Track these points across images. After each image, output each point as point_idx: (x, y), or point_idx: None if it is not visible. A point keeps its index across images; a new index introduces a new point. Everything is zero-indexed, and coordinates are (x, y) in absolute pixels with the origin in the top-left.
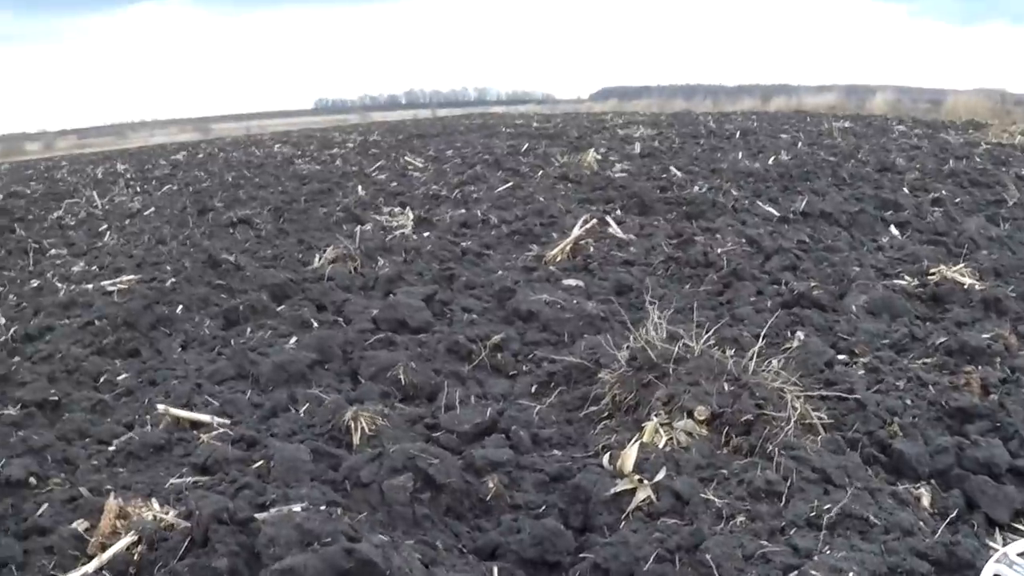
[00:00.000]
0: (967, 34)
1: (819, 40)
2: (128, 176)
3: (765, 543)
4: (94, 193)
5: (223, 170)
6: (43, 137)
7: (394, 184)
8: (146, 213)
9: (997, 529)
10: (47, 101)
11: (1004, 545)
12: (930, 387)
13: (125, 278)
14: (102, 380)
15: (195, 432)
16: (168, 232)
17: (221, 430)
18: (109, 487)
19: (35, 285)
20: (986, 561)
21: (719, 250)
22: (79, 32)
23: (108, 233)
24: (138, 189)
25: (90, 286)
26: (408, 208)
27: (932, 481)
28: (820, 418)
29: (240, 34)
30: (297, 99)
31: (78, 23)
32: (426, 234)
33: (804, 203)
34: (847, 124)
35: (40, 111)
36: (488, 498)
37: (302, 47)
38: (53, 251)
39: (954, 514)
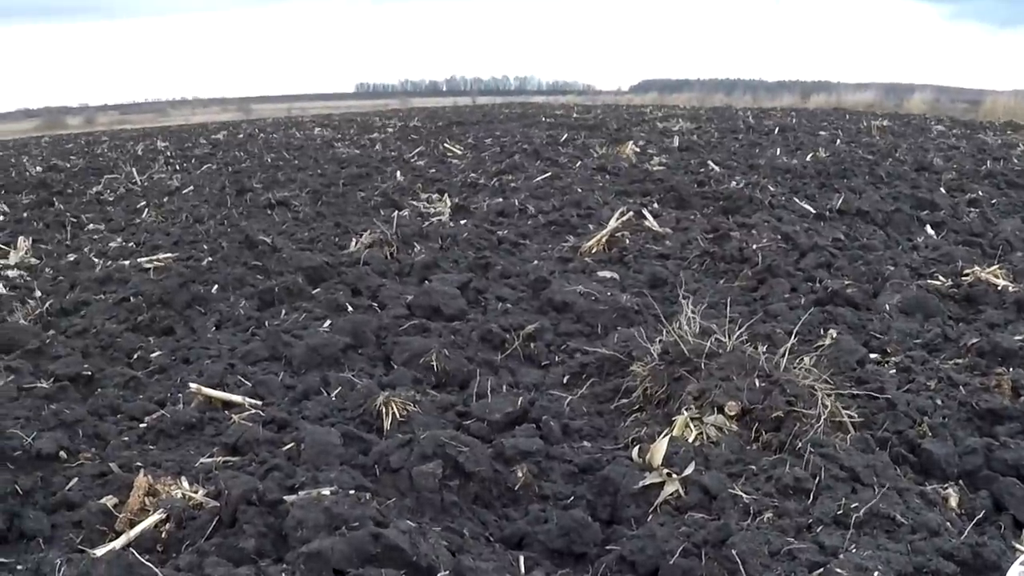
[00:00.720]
0: (1007, 35)
1: (860, 38)
2: (168, 154)
3: (791, 540)
4: (133, 169)
5: (263, 151)
6: (85, 111)
7: (432, 171)
8: (185, 191)
9: None
10: (91, 75)
11: None
12: (961, 388)
13: (162, 256)
14: (136, 357)
15: (226, 412)
16: (206, 211)
17: (252, 411)
18: (139, 464)
19: (72, 260)
20: (1012, 563)
21: (754, 246)
22: (128, 9)
23: (146, 210)
24: (177, 167)
25: (127, 262)
26: (446, 195)
27: (960, 482)
28: (850, 416)
29: (284, 18)
30: (338, 82)
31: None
32: (463, 222)
33: (840, 201)
34: (886, 123)
35: (83, 85)
36: (516, 487)
37: (345, 30)
38: (91, 226)
39: (981, 515)
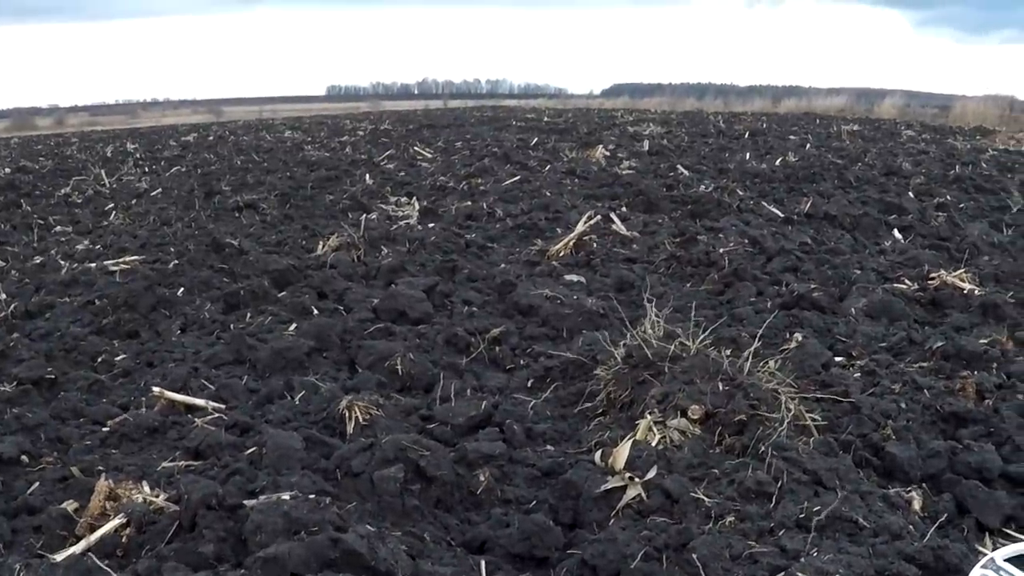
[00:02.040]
0: (976, 42)
1: (831, 44)
2: (137, 156)
3: (753, 544)
4: (102, 171)
5: (232, 154)
6: (55, 113)
7: (402, 174)
8: (153, 194)
9: (987, 534)
10: (61, 76)
11: (994, 550)
12: (925, 391)
13: (128, 258)
14: (100, 360)
15: (190, 416)
16: (174, 214)
17: (215, 415)
18: (101, 468)
19: (38, 262)
20: (973, 566)
21: (721, 250)
22: (100, 11)
23: (114, 212)
24: (146, 169)
25: (93, 265)
26: (414, 198)
27: (924, 485)
28: (814, 420)
29: (256, 21)
30: (310, 85)
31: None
32: (431, 225)
33: (809, 205)
34: (856, 127)
35: (54, 86)
36: (479, 492)
37: (316, 33)
38: (58, 228)
39: (944, 518)
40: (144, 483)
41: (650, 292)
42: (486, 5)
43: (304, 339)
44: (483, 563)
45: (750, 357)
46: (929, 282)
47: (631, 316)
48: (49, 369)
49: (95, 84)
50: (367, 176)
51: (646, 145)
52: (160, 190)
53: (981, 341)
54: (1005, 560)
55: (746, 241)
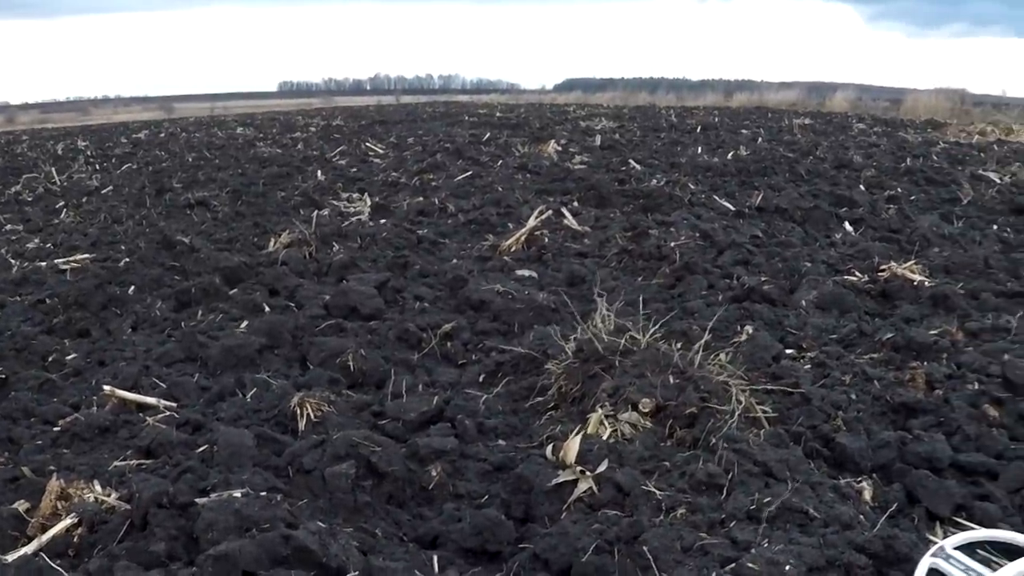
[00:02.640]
0: (927, 36)
1: (783, 38)
2: (88, 153)
3: (704, 535)
4: (53, 169)
5: (184, 150)
6: (5, 110)
7: (354, 170)
8: (104, 191)
9: (938, 523)
10: (12, 74)
11: (944, 539)
12: (875, 382)
13: (79, 256)
14: (51, 359)
15: (141, 414)
16: (125, 211)
17: (167, 413)
18: (52, 468)
19: None
20: (923, 555)
21: (672, 243)
22: (51, 8)
23: (65, 210)
24: (97, 167)
25: (43, 264)
26: (366, 194)
27: (874, 475)
28: (765, 412)
29: (207, 18)
30: (262, 81)
31: None
32: (383, 221)
33: (760, 198)
34: (807, 121)
35: (4, 84)
36: (431, 487)
37: (268, 29)
38: (8, 227)
39: (895, 508)
40: (95, 482)
41: (601, 286)
42: (438, 1)
43: (255, 336)
44: (435, 558)
45: (701, 350)
46: (879, 274)
47: (582, 310)
48: (0, 369)
49: (46, 81)
50: (319, 172)
51: (598, 140)
52: (111, 188)
53: (931, 332)
54: (954, 548)
55: (697, 235)
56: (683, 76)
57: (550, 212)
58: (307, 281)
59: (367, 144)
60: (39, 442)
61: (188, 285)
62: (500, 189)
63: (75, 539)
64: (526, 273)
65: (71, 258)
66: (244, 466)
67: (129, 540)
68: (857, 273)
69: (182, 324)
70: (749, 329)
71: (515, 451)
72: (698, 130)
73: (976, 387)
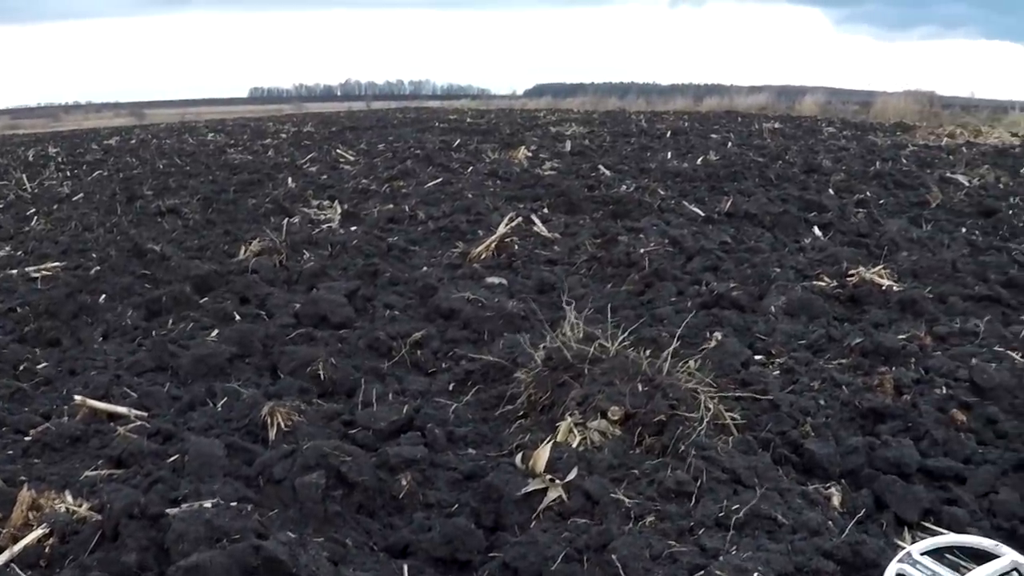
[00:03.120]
0: (896, 38)
1: (753, 43)
2: (59, 160)
3: (673, 543)
4: (24, 176)
5: (155, 157)
6: None
7: (324, 177)
8: (75, 199)
9: (906, 528)
10: None
11: (912, 544)
12: (844, 388)
13: (50, 265)
14: (21, 368)
15: (112, 424)
16: (95, 219)
17: (138, 423)
18: (23, 478)
19: None
20: (891, 560)
21: (642, 250)
22: (20, 14)
23: (35, 218)
24: (68, 174)
25: (14, 271)
26: (337, 202)
27: (842, 481)
28: (733, 418)
29: (178, 23)
30: (232, 87)
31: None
32: (353, 228)
33: (729, 204)
34: (777, 125)
35: None
36: (401, 496)
37: (238, 36)
38: None
39: (863, 513)
40: (67, 492)
41: (570, 294)
42: (409, 7)
43: (226, 345)
44: (405, 567)
45: (669, 357)
46: (848, 279)
47: (552, 318)
48: None
49: (16, 87)
50: (289, 179)
51: (568, 145)
52: (82, 195)
53: (899, 337)
54: (922, 553)
55: (667, 241)
56: (653, 81)
57: (520, 219)
58: (277, 289)
59: (338, 151)
60: (10, 452)
61: (159, 293)
62: (470, 196)
63: (47, 550)
64: (496, 281)
65: (42, 266)
66: (215, 476)
67: (100, 551)
68: (826, 278)
69: (153, 333)
70: (718, 336)
71: (485, 460)
72: (668, 135)
73: (944, 392)
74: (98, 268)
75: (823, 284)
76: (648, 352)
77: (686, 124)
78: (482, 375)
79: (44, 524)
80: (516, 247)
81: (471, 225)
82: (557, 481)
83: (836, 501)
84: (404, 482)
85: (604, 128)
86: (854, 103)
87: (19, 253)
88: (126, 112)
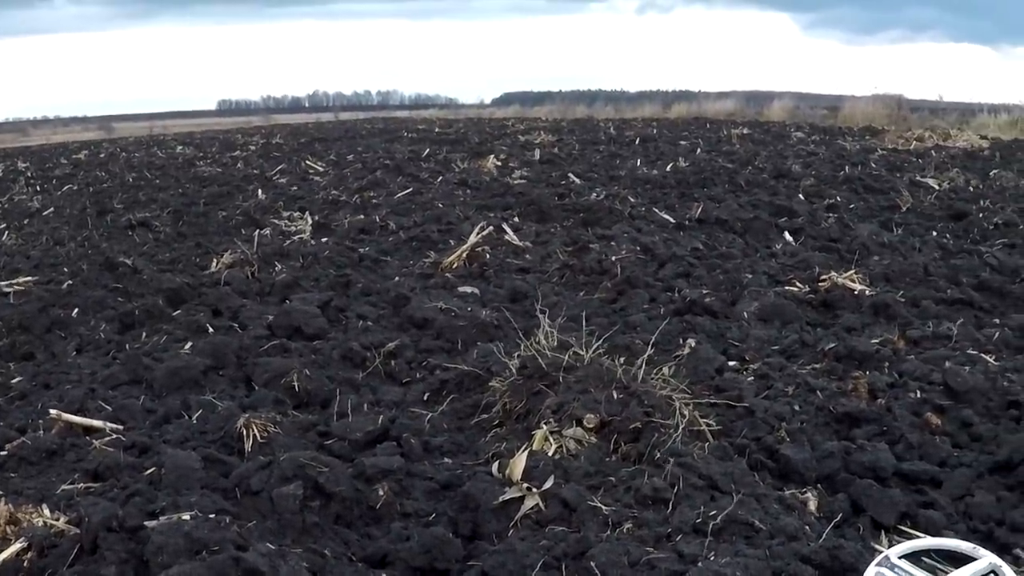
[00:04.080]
0: (864, 43)
1: (720, 48)
2: (29, 175)
3: (651, 550)
4: None
5: (124, 171)
6: None
7: (294, 188)
8: (45, 213)
9: (883, 532)
10: None
11: (889, 547)
12: (818, 392)
13: (22, 279)
14: None
15: (88, 437)
16: (67, 233)
17: (114, 436)
18: (0, 492)
19: None
20: (868, 564)
21: (613, 257)
22: None
23: (6, 233)
24: (38, 188)
25: None
26: (307, 213)
27: (819, 486)
28: (708, 425)
29: (145, 37)
30: (200, 100)
31: None
32: (324, 239)
33: (700, 210)
34: (746, 131)
35: None
36: (378, 506)
37: (205, 48)
38: None
39: (840, 518)
40: (44, 506)
41: (543, 302)
42: (375, 17)
43: (200, 357)
44: None
45: (644, 364)
46: (820, 284)
47: (525, 326)
48: None
49: None
50: (260, 191)
51: (537, 154)
52: (52, 209)
53: (873, 341)
54: (900, 557)
55: (638, 248)
56: (621, 88)
57: (491, 228)
58: (250, 301)
59: (307, 162)
60: None
61: (131, 307)
62: (440, 205)
63: (25, 563)
64: (468, 290)
65: (14, 281)
66: (192, 488)
67: (80, 564)
68: (798, 283)
69: (126, 346)
70: (692, 342)
71: (461, 469)
72: (637, 142)
73: (918, 395)
74: (70, 282)
75: (795, 289)
76: (622, 360)
77: (655, 131)
78: (456, 384)
79: (22, 538)
80: (488, 256)
81: (442, 235)
82: (534, 489)
83: (812, 506)
84: (381, 492)
85: (573, 136)
86: (822, 108)
87: None
88: (95, 126)
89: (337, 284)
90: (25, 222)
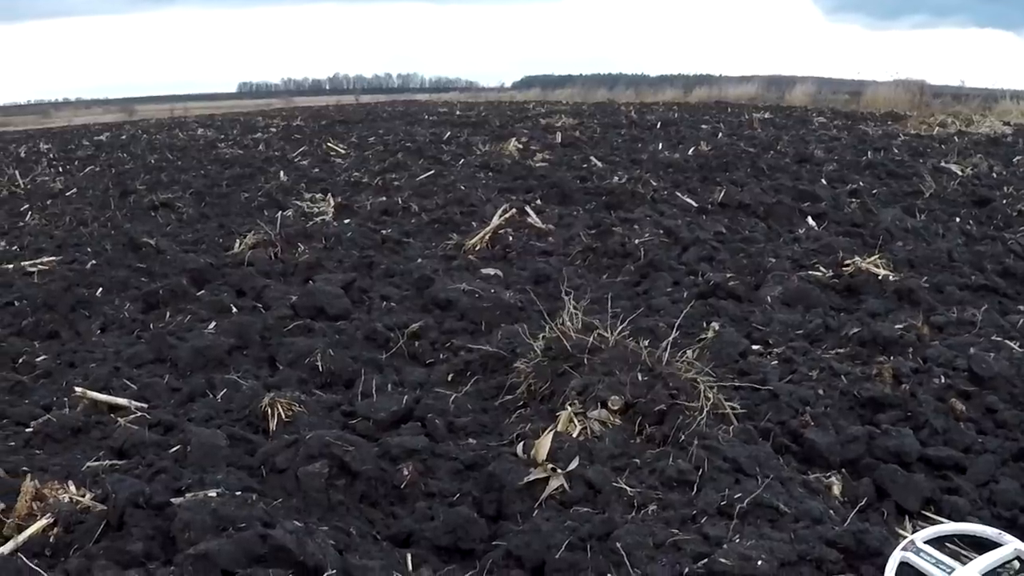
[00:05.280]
0: (888, 27)
1: (742, 32)
2: (51, 156)
3: (676, 532)
4: (16, 172)
5: (146, 152)
6: None
7: (316, 170)
8: (68, 194)
9: (907, 517)
10: None
11: (913, 533)
12: (842, 377)
13: (46, 259)
14: (21, 361)
15: (112, 415)
16: (89, 214)
17: (139, 414)
18: (26, 469)
19: None
20: (894, 549)
21: (637, 241)
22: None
23: (29, 213)
24: (61, 169)
25: (10, 266)
26: (329, 194)
27: (843, 470)
28: (733, 408)
29: (166, 20)
30: (221, 82)
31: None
32: (347, 221)
33: (722, 194)
34: (767, 115)
35: None
36: (403, 486)
37: (226, 31)
38: None
39: (864, 503)
40: (70, 483)
41: (567, 284)
42: (397, 0)
43: (224, 337)
44: (409, 556)
45: (668, 347)
46: (844, 269)
47: (549, 309)
48: None
49: (7, 84)
50: (281, 173)
51: (559, 137)
52: (75, 190)
53: (897, 326)
54: (925, 542)
55: (661, 232)
56: (642, 71)
57: (514, 211)
58: (274, 282)
59: (328, 144)
60: (12, 443)
61: (155, 287)
62: (463, 188)
63: (51, 539)
64: (491, 272)
65: (38, 260)
66: (218, 466)
67: (106, 540)
68: (821, 268)
69: (151, 325)
70: (715, 326)
71: (486, 449)
72: (658, 126)
73: (943, 381)
74: (94, 262)
75: (819, 274)
76: (647, 342)
77: (676, 115)
78: (481, 365)
79: (48, 514)
80: (510, 238)
81: (464, 217)
82: (559, 470)
83: (837, 490)
84: (406, 472)
85: (594, 119)
86: (844, 93)
87: (14, 248)
88: (116, 108)
89: (360, 265)
90: (48, 203)
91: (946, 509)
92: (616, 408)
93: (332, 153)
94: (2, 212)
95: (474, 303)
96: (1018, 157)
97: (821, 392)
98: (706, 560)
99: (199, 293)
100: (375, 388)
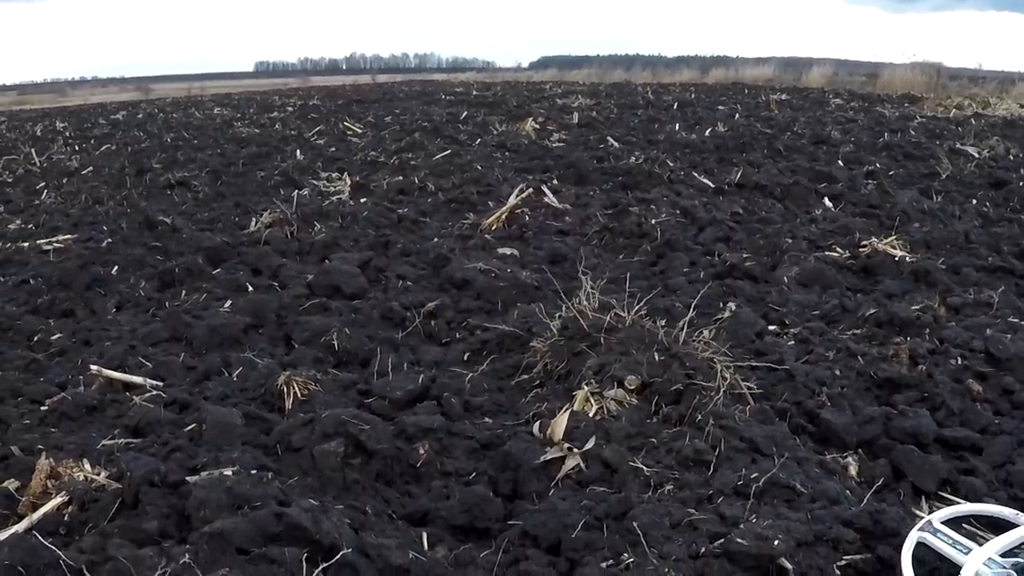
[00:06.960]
0: (906, 10)
1: (759, 13)
2: (67, 134)
3: (692, 511)
4: (32, 150)
5: (162, 131)
6: None
7: (332, 149)
8: (84, 172)
9: (923, 498)
10: None
11: (930, 513)
12: (859, 358)
13: (61, 237)
14: (36, 339)
15: (128, 394)
16: (105, 192)
17: (154, 392)
18: (41, 447)
19: None
20: (911, 529)
21: (653, 221)
22: None
23: (45, 191)
24: (77, 148)
25: (26, 244)
26: (346, 174)
27: (860, 451)
28: (749, 388)
29: None
30: (237, 61)
31: None
32: (363, 200)
33: (739, 175)
34: (784, 97)
35: None
36: (419, 464)
37: (242, 9)
38: None
39: (881, 483)
40: (85, 461)
41: (584, 264)
42: None
43: (240, 315)
44: (424, 535)
45: (685, 327)
46: (860, 250)
47: (565, 288)
48: None
49: (23, 63)
50: (298, 152)
51: (575, 117)
52: (91, 168)
53: (913, 307)
54: (942, 522)
55: (678, 212)
56: (659, 52)
57: (530, 190)
58: (289, 260)
59: (345, 123)
60: (27, 421)
61: (171, 265)
62: (479, 167)
63: (66, 517)
64: (507, 251)
65: (54, 239)
66: (233, 444)
67: (121, 518)
68: (838, 249)
69: (166, 304)
70: (732, 306)
71: (502, 428)
72: (675, 107)
73: (959, 362)
74: (110, 240)
75: (835, 255)
76: (663, 322)
77: (693, 96)
78: (497, 345)
79: (63, 492)
80: (527, 218)
81: (481, 196)
82: (575, 450)
83: (853, 470)
84: (422, 451)
85: (611, 100)
86: (861, 75)
87: (30, 226)
88: (132, 87)
89: (377, 244)
90: (64, 181)
91: (962, 490)
92: (633, 388)
93: (349, 132)
94: (18, 190)
95: (490, 282)
96: None
97: (838, 372)
98: (722, 540)
99: (215, 272)
100: (391, 367)
